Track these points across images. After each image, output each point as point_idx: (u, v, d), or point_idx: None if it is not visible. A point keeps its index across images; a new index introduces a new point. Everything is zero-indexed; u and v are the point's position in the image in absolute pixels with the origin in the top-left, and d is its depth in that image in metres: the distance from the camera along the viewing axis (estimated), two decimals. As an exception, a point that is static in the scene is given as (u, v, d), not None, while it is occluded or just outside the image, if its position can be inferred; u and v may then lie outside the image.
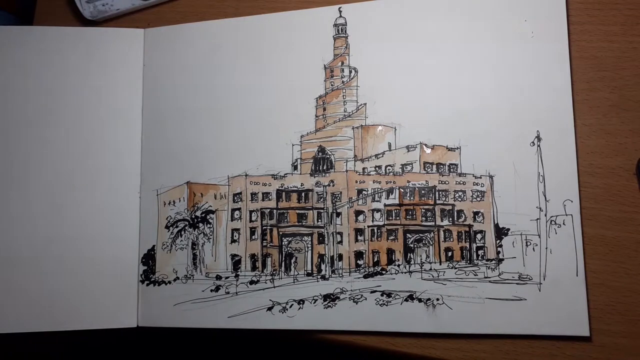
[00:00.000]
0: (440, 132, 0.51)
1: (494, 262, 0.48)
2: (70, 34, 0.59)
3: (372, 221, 0.51)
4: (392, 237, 0.51)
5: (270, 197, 0.54)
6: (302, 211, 0.53)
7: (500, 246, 0.48)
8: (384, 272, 0.50)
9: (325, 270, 0.51)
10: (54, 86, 0.57)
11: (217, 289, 0.53)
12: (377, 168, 0.52)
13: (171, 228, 0.55)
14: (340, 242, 0.52)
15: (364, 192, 0.52)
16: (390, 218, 0.51)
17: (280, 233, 0.53)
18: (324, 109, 0.54)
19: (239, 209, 0.54)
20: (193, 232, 0.55)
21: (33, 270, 0.54)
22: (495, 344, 0.48)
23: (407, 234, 0.51)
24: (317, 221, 0.53)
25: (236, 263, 0.53)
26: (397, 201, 0.51)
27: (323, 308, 0.50)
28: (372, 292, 0.50)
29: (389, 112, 0.52)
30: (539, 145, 0.49)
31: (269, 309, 0.51)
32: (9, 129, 0.56)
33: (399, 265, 0.50)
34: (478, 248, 0.49)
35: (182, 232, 0.55)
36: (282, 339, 0.52)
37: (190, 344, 0.55)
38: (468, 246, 0.49)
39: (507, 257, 0.48)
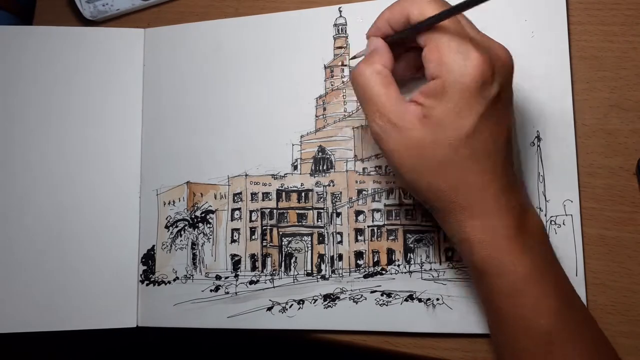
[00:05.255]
0: (440, 132, 0.51)
1: (494, 262, 0.48)
2: (70, 34, 0.59)
3: (372, 221, 0.51)
4: (392, 237, 0.51)
5: (270, 197, 0.54)
6: (302, 211, 0.53)
7: (500, 246, 0.48)
8: (384, 272, 0.50)
9: (325, 270, 0.51)
10: (53, 86, 0.57)
11: (217, 289, 0.53)
12: (377, 168, 0.52)
13: (171, 228, 0.55)
14: (340, 242, 0.52)
15: (364, 192, 0.52)
16: (390, 218, 0.51)
17: (280, 233, 0.53)
18: (324, 109, 0.54)
19: (239, 209, 0.54)
20: (193, 232, 0.55)
21: (32, 269, 0.54)
22: (495, 344, 0.47)
23: (407, 234, 0.51)
24: (317, 221, 0.52)
25: (236, 263, 0.53)
26: (397, 201, 0.51)
27: (323, 308, 0.50)
28: (372, 292, 0.50)
29: (389, 112, 0.52)
30: (538, 146, 0.49)
31: (269, 309, 0.51)
32: (8, 128, 0.56)
33: (399, 265, 0.50)
34: (478, 248, 0.49)
35: (182, 232, 0.55)
36: (282, 339, 0.52)
37: (190, 344, 0.55)
38: (468, 246, 0.49)
39: (507, 257, 0.48)
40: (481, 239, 0.39)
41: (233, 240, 0.54)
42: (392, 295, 0.49)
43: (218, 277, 0.53)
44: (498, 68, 0.38)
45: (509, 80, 0.39)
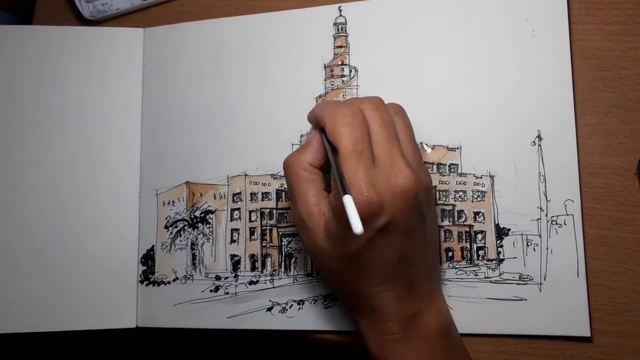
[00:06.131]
0: (441, 132, 0.50)
1: (494, 262, 0.48)
2: (70, 34, 0.59)
3: (372, 221, 0.51)
4: (392, 237, 0.51)
5: (269, 197, 0.53)
6: (302, 211, 0.53)
7: (501, 246, 0.48)
8: (384, 272, 0.50)
9: (325, 271, 0.51)
10: (53, 86, 0.57)
11: (217, 289, 0.53)
12: (377, 168, 0.52)
13: (170, 228, 0.55)
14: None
15: (364, 192, 0.52)
16: (391, 218, 0.51)
17: (280, 233, 0.53)
18: (324, 109, 0.53)
19: (238, 209, 0.54)
20: (192, 232, 0.54)
21: (32, 269, 0.54)
22: (495, 343, 0.47)
23: (407, 234, 0.50)
24: (317, 221, 0.52)
25: (235, 263, 0.53)
26: (397, 201, 0.51)
27: (323, 308, 0.50)
28: (372, 293, 0.50)
29: (389, 112, 0.52)
30: (539, 145, 0.48)
31: (269, 309, 0.51)
32: (8, 128, 0.56)
33: (399, 266, 0.50)
34: (479, 248, 0.49)
35: (182, 232, 0.55)
36: (282, 339, 0.52)
37: (189, 344, 0.55)
38: (468, 246, 0.49)
39: (508, 257, 0.48)
40: (371, 337, 0.42)
41: (232, 241, 0.54)
42: (392, 296, 0.49)
43: (218, 278, 0.53)
44: (390, 199, 0.38)
45: (404, 209, 0.39)
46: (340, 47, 0.54)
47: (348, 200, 0.35)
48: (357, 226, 0.33)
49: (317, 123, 0.43)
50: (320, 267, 0.45)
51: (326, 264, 0.42)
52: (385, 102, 0.43)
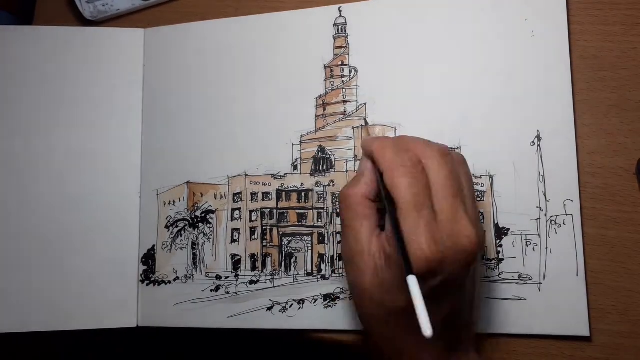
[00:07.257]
0: (440, 132, 0.51)
1: (493, 262, 0.48)
2: (70, 34, 0.59)
3: (372, 221, 0.51)
4: (392, 237, 0.51)
5: (270, 197, 0.54)
6: (302, 211, 0.53)
7: (500, 246, 0.48)
8: (384, 272, 0.50)
9: (326, 270, 0.51)
10: (53, 86, 0.57)
11: (217, 288, 0.53)
12: (377, 168, 0.52)
13: (171, 228, 0.55)
14: (340, 242, 0.52)
15: (364, 192, 0.52)
16: (390, 218, 0.51)
17: (280, 233, 0.53)
18: (324, 109, 0.54)
19: (239, 209, 0.54)
20: (193, 232, 0.55)
21: (32, 269, 0.54)
22: (494, 343, 0.47)
23: (407, 234, 0.50)
24: (317, 221, 0.52)
25: (236, 263, 0.53)
26: (397, 201, 0.51)
27: (323, 308, 0.50)
28: (372, 292, 0.50)
29: (389, 112, 0.52)
30: (539, 145, 0.49)
31: (269, 308, 0.51)
32: (8, 129, 0.56)
33: (399, 265, 0.50)
34: (478, 248, 0.49)
35: (182, 232, 0.55)
36: (282, 339, 0.52)
37: (190, 344, 0.55)
38: (468, 246, 0.49)
39: (507, 257, 0.48)
40: None
41: (233, 240, 0.54)
42: (392, 295, 0.49)
43: (218, 277, 0.53)
44: (450, 259, 0.36)
45: (461, 269, 0.37)
46: (340, 47, 0.54)
47: (415, 289, 0.33)
48: (426, 329, 0.31)
49: (371, 155, 0.40)
50: (360, 307, 0.42)
51: (368, 307, 0.40)
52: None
